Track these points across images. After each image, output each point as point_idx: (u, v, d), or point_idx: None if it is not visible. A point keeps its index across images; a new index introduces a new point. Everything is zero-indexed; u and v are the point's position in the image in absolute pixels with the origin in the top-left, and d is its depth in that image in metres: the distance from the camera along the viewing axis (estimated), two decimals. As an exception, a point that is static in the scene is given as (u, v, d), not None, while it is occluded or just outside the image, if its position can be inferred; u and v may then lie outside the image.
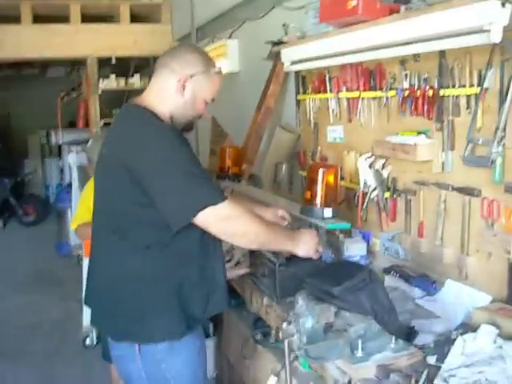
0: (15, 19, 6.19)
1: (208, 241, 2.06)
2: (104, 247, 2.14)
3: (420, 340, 1.82)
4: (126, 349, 2.07)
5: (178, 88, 2.06)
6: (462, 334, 1.76)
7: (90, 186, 3.46)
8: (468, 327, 1.86)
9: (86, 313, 4.10)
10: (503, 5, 1.58)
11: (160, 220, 1.93)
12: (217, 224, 1.92)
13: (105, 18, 6.84)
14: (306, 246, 2.15)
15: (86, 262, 3.83)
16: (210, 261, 2.10)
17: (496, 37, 1.62)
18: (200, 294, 2.08)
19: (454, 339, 1.74)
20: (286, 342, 1.78)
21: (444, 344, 1.76)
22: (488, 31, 1.63)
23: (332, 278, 1.76)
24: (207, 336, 3.06)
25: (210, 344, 3.12)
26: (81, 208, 3.48)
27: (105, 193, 2.13)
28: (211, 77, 2.11)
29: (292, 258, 2.20)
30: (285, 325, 1.74)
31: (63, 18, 6.41)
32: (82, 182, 5.50)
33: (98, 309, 2.21)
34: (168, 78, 2.08)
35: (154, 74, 2.14)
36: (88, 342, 4.51)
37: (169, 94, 2.08)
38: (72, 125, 8.90)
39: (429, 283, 2.32)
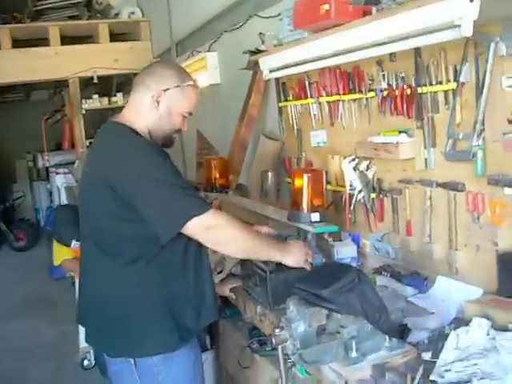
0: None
1: (194, 252, 2.09)
2: (92, 264, 2.17)
3: (414, 337, 1.83)
4: (122, 364, 2.08)
5: (152, 103, 2.09)
6: (454, 329, 1.76)
7: None
8: (461, 321, 1.86)
9: (83, 334, 4.08)
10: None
11: (145, 234, 1.97)
12: (204, 233, 1.95)
13: (84, 38, 6.84)
14: (294, 256, 2.17)
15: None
16: (197, 272, 2.12)
17: (467, 31, 1.63)
18: (191, 306, 2.10)
19: (448, 334, 1.75)
20: (279, 348, 1.78)
21: (438, 340, 1.77)
22: (459, 26, 1.64)
23: (321, 281, 1.76)
24: (205, 349, 3.05)
25: (209, 357, 3.10)
26: (57, 249, 3.52)
27: (89, 211, 2.14)
28: (185, 90, 2.13)
29: (283, 265, 2.19)
30: (277, 331, 1.74)
31: (43, 41, 6.41)
32: (72, 203, 5.50)
33: (91, 327, 2.23)
34: (143, 94, 2.11)
35: (132, 92, 2.17)
36: (86, 363, 4.48)
37: (145, 109, 2.10)
38: (58, 147, 8.89)
39: (420, 281, 2.33)
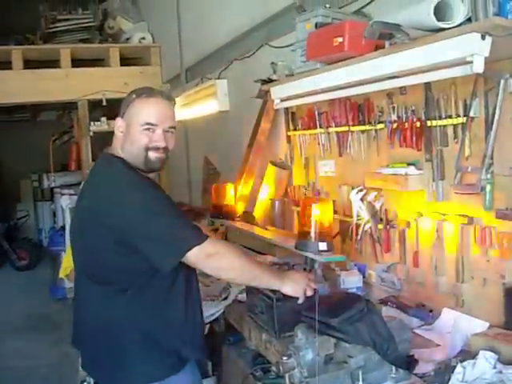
0: (6, 65, 6.26)
1: (184, 281, 2.12)
2: (83, 294, 2.19)
3: (420, 369, 1.83)
4: None
5: (116, 131, 2.15)
6: (461, 361, 1.76)
7: None
8: (467, 354, 1.87)
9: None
10: (483, 37, 1.63)
11: (137, 266, 2.00)
12: (204, 261, 1.97)
13: (95, 61, 6.92)
14: (294, 285, 2.14)
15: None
16: (187, 301, 2.14)
17: (478, 67, 1.66)
18: (181, 335, 2.12)
19: (454, 366, 1.75)
20: (286, 376, 1.78)
21: (444, 372, 1.77)
22: (471, 63, 1.67)
23: (330, 310, 1.78)
24: (206, 376, 3.03)
25: (210, 384, 3.09)
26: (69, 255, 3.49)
27: (82, 242, 2.16)
28: (134, 105, 2.11)
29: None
30: (285, 358, 1.74)
31: (54, 63, 6.49)
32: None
33: (84, 353, 2.25)
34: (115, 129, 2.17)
35: None
36: (85, 385, 4.44)
37: (118, 141, 2.15)
38: (64, 168, 8.93)
39: (426, 313, 2.33)
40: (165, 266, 1.96)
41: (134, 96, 2.12)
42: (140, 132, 2.08)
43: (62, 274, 3.58)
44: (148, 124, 2.08)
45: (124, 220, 1.95)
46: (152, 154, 2.10)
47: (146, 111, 2.09)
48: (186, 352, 2.13)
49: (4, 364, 5.12)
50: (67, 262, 3.47)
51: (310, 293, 2.15)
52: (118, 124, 2.13)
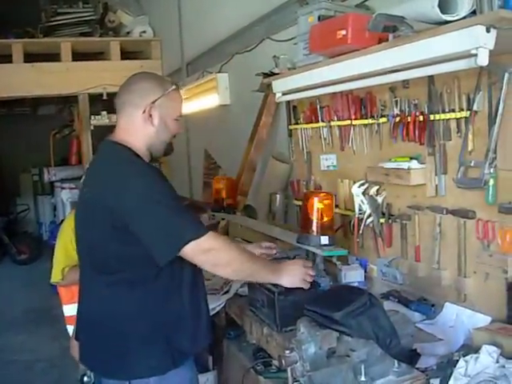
0: (6, 58, 6.25)
1: (190, 275, 2.11)
2: (89, 285, 2.18)
3: (423, 363, 1.82)
4: None
5: (145, 119, 2.10)
6: (463, 356, 1.76)
7: (65, 231, 3.32)
8: (470, 348, 1.85)
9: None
10: (488, 30, 1.62)
11: (143, 257, 1.98)
12: (201, 256, 1.97)
13: (96, 55, 6.91)
14: (289, 276, 2.16)
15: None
16: (193, 295, 2.14)
17: (483, 61, 1.65)
18: (186, 329, 2.11)
19: (457, 361, 1.74)
20: (289, 369, 1.77)
21: (446, 366, 1.76)
22: (475, 55, 1.66)
23: (332, 304, 1.77)
24: (207, 370, 3.03)
25: (211, 378, 3.08)
26: (59, 257, 3.33)
27: (87, 232, 2.15)
28: (171, 96, 2.15)
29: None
30: (287, 352, 1.73)
31: (54, 57, 6.48)
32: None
33: (87, 346, 2.23)
34: (131, 112, 2.12)
35: (118, 114, 2.18)
36: (86, 379, 4.41)
37: (138, 127, 2.12)
38: (65, 162, 8.93)
39: (428, 307, 2.32)
40: (162, 257, 1.95)
41: (169, 86, 2.15)
42: (173, 122, 2.18)
43: (54, 279, 3.32)
44: (181, 115, 2.21)
45: (126, 205, 1.95)
46: (172, 140, 2.24)
47: (180, 103, 2.22)
48: (188, 346, 2.13)
49: (4, 358, 5.15)
50: (60, 263, 3.30)
51: (309, 279, 2.19)
52: (150, 111, 2.10)
